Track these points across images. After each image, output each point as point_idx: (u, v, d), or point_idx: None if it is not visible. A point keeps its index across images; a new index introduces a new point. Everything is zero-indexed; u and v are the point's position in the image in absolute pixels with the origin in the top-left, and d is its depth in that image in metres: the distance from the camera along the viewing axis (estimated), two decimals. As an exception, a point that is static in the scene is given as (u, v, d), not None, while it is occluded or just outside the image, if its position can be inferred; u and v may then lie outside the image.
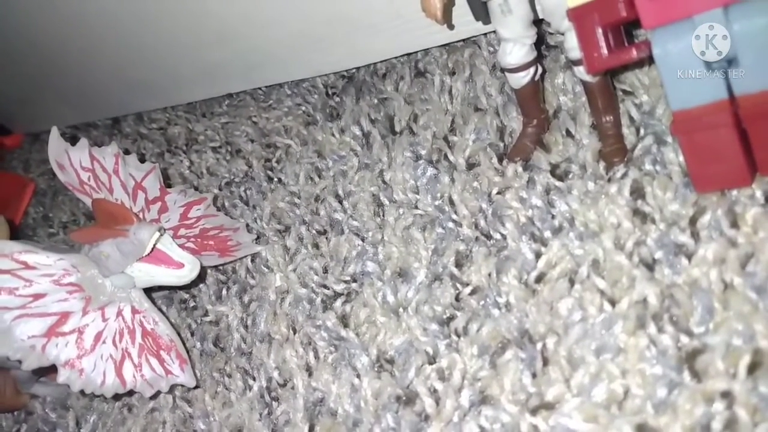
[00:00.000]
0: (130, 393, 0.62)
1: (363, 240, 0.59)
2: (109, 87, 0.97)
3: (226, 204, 0.73)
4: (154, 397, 0.60)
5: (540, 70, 0.53)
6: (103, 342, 0.57)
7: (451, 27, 0.59)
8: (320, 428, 0.50)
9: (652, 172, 0.47)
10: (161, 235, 0.57)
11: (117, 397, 0.63)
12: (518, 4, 0.48)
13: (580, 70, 0.49)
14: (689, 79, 0.41)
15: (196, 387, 0.60)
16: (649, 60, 0.43)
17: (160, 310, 0.64)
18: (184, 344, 0.60)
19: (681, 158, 0.46)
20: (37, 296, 0.55)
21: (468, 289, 0.50)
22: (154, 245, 0.56)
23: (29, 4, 0.87)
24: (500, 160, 0.56)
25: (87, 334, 0.56)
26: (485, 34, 0.64)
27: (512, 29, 0.50)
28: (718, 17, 0.39)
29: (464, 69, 0.63)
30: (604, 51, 0.43)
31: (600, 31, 0.43)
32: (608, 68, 0.45)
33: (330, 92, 0.75)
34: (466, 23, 0.58)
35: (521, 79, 0.52)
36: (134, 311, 0.58)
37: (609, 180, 0.48)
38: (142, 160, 0.88)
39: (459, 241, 0.53)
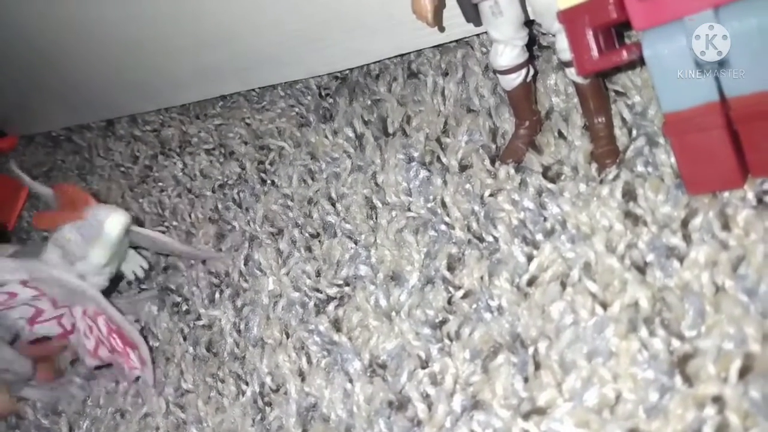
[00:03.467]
0: (124, 399, 0.62)
1: (356, 243, 0.59)
2: (103, 89, 0.97)
3: (219, 206, 0.73)
4: (147, 402, 0.60)
5: (532, 71, 0.53)
6: (78, 330, 0.61)
7: (441, 29, 0.59)
8: (313, 433, 0.50)
9: (644, 174, 0.47)
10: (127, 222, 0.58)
11: (110, 402, 0.64)
12: (509, 5, 0.48)
13: (572, 72, 0.49)
14: (680, 81, 0.41)
15: (189, 392, 0.60)
16: (641, 61, 0.43)
17: (152, 314, 0.65)
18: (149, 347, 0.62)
19: (673, 160, 0.46)
20: (12, 294, 0.58)
21: (460, 293, 0.50)
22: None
23: (23, 7, 0.87)
24: (492, 162, 0.55)
25: (64, 321, 0.60)
26: (478, 35, 0.63)
27: (503, 31, 0.49)
28: (708, 18, 0.39)
29: (457, 70, 0.63)
30: (595, 53, 0.43)
31: (590, 33, 0.43)
32: (599, 70, 0.45)
33: (323, 93, 0.75)
34: (459, 24, 0.57)
35: (513, 80, 0.52)
36: (96, 313, 0.60)
37: (601, 182, 0.48)
38: (135, 162, 0.89)
39: (451, 244, 0.53)
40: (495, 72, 0.53)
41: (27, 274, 0.57)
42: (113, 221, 0.57)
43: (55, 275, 0.58)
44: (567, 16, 0.43)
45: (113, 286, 0.67)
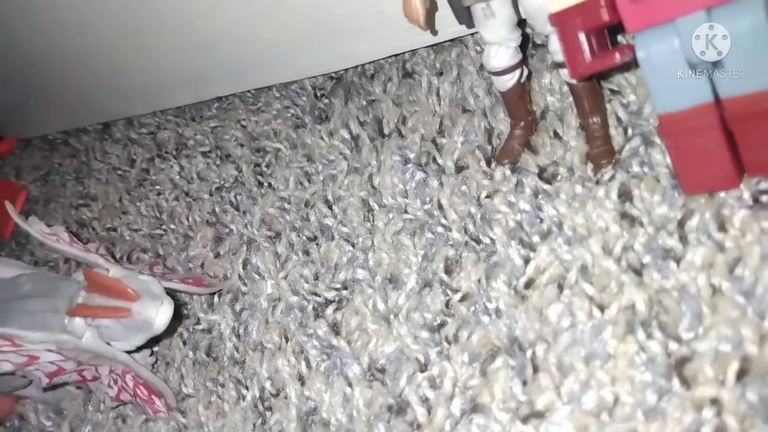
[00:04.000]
0: (125, 404, 0.63)
1: (353, 246, 0.59)
2: (98, 92, 0.96)
3: (217, 209, 0.73)
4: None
5: (526, 71, 0.53)
6: (100, 382, 0.61)
7: (434, 32, 0.59)
8: (313, 438, 0.50)
9: (640, 174, 0.47)
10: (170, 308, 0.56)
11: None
12: (501, 7, 0.48)
13: (566, 73, 0.48)
14: (674, 83, 0.41)
15: (190, 397, 0.60)
16: (635, 62, 0.43)
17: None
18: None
19: (668, 160, 0.45)
20: (33, 357, 0.57)
21: (458, 296, 0.50)
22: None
23: (18, 11, 0.86)
24: (488, 163, 0.55)
25: (86, 374, 0.60)
26: (472, 34, 0.63)
27: (496, 33, 0.49)
28: (701, 20, 0.38)
29: (451, 69, 0.63)
30: (587, 56, 0.43)
31: (583, 35, 0.42)
32: (592, 73, 0.45)
33: (318, 94, 0.74)
34: (452, 23, 0.57)
35: (507, 81, 0.52)
36: (124, 371, 0.60)
37: (597, 182, 0.48)
38: (132, 165, 0.89)
39: (448, 247, 0.53)
40: (489, 73, 0.53)
41: (54, 346, 0.57)
42: (162, 316, 0.54)
43: (83, 346, 0.57)
44: (559, 19, 0.43)
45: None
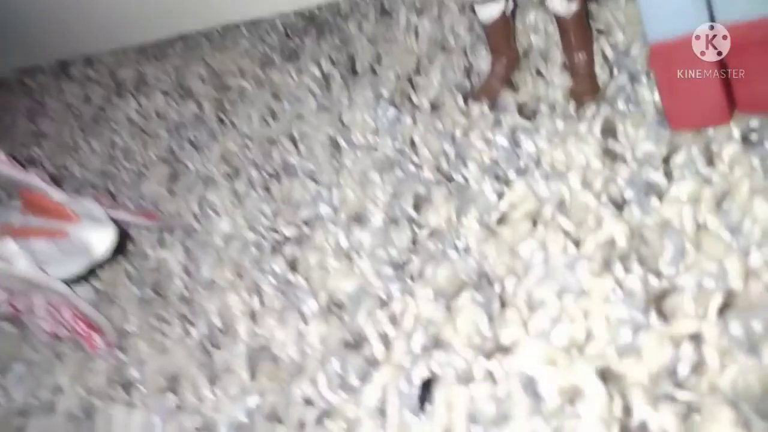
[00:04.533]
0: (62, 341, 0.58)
1: (317, 183, 0.56)
2: (55, 28, 0.91)
3: (174, 147, 0.69)
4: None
5: (512, 4, 0.50)
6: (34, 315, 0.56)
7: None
8: (261, 374, 0.47)
9: (625, 111, 0.44)
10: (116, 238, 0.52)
11: (47, 345, 0.59)
12: (490, -74, 0.45)
13: (554, 4, 0.46)
14: (669, 8, 0.39)
15: (132, 334, 0.56)
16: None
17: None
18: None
19: (656, 96, 0.43)
20: None
21: (425, 232, 0.47)
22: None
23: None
24: (466, 101, 0.52)
25: (17, 303, 0.56)
26: (455, -26, 0.60)
27: (483, -45, 0.47)
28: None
29: (432, 7, 0.60)
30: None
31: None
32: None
33: (289, 33, 0.71)
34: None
35: (492, 11, 0.49)
36: (60, 302, 0.55)
37: (579, 119, 0.46)
38: (88, 103, 0.84)
39: (419, 184, 0.50)
40: (473, 6, 0.50)
41: None
42: (101, 240, 0.50)
43: (15, 273, 0.52)
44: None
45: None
